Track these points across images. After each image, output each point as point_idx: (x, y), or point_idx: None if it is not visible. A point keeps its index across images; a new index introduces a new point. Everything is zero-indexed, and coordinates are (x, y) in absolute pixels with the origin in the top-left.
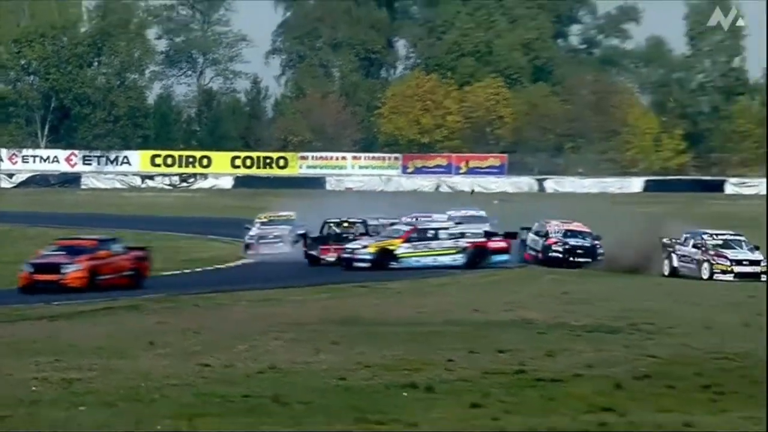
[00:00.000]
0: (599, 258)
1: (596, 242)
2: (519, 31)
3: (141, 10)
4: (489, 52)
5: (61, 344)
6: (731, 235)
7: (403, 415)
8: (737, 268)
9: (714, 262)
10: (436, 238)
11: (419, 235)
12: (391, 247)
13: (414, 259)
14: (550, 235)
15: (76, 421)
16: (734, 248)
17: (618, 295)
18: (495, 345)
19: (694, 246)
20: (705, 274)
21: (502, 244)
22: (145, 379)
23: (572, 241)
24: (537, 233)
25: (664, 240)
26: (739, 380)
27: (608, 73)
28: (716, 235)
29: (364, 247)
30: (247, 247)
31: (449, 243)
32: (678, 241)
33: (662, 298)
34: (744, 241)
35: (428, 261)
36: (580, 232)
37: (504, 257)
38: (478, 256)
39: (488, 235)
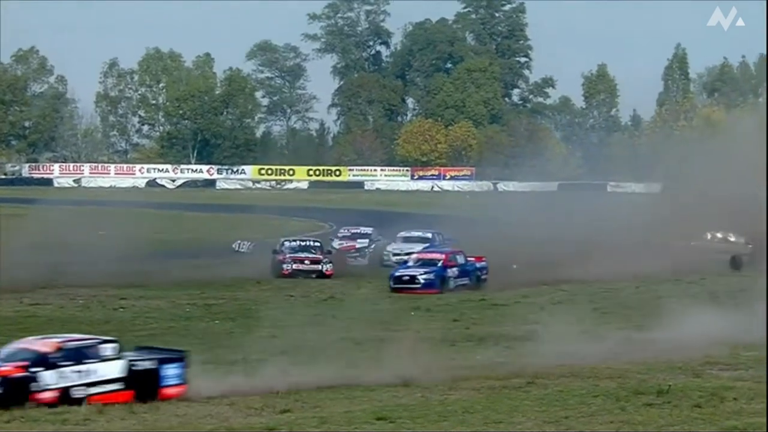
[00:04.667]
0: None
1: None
2: (481, 92)
3: (252, 80)
4: (463, 106)
5: (202, 282)
6: None
7: (412, 325)
8: None
9: None
10: None
11: None
12: None
13: None
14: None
15: (212, 329)
16: None
17: None
18: None
19: None
20: None
21: None
22: (254, 303)
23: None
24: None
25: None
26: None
27: (535, 118)
28: None
29: None
30: None
31: None
32: None
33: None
34: None
35: None
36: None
37: None
38: None
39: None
